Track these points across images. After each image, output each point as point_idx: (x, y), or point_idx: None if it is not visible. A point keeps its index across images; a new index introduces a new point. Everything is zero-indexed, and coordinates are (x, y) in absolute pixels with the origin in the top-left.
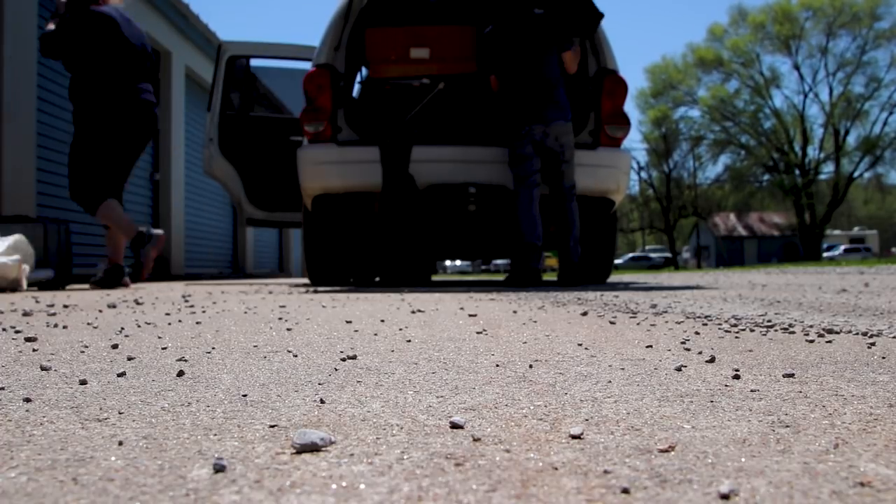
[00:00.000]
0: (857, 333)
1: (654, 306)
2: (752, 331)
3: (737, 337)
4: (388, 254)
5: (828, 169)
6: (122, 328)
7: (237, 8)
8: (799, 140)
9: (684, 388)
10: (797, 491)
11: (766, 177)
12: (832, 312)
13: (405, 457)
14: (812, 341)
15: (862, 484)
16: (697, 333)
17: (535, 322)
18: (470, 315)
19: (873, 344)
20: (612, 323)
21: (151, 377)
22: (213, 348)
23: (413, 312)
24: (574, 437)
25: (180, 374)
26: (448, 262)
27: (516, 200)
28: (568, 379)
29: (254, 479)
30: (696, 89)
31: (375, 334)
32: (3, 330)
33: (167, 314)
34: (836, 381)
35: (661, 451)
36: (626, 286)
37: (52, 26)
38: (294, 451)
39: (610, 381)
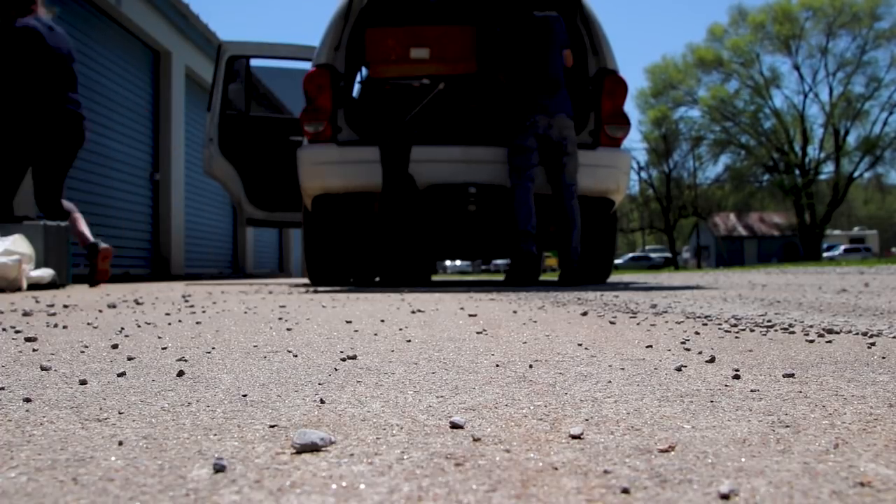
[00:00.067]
0: (857, 333)
1: (654, 306)
2: (752, 331)
3: (737, 337)
4: (388, 254)
5: (828, 169)
6: (122, 328)
7: (237, 8)
8: (799, 140)
9: (684, 388)
10: (797, 491)
11: (766, 177)
12: (832, 312)
13: (405, 457)
14: (812, 341)
15: (862, 484)
16: (697, 333)
17: (535, 322)
18: (470, 315)
19: (873, 344)
20: (612, 323)
21: (151, 377)
22: (213, 348)
23: (413, 312)
24: (574, 437)
25: (180, 374)
26: (448, 262)
27: (513, 192)
28: (568, 379)
29: (254, 479)
30: (696, 89)
31: (375, 334)
32: (3, 330)
33: (167, 314)
34: (836, 381)
35: (661, 451)
36: (626, 286)
37: None
38: (294, 451)
39: (610, 381)
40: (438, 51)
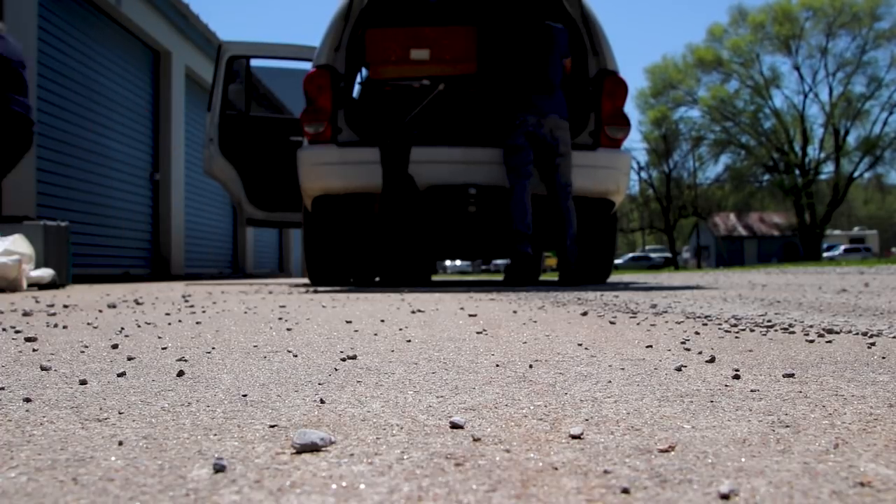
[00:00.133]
0: (857, 333)
1: (654, 306)
2: (752, 331)
3: (737, 337)
4: (388, 254)
5: (828, 169)
6: (122, 328)
7: (237, 8)
8: (799, 140)
9: (684, 388)
10: (797, 491)
11: (766, 177)
12: (832, 312)
13: (405, 457)
14: (812, 341)
15: (862, 484)
16: (697, 333)
17: (535, 322)
18: (470, 315)
19: (873, 344)
20: (612, 323)
21: (151, 377)
22: (213, 348)
23: (413, 312)
24: (574, 437)
25: (180, 374)
26: (448, 262)
27: (510, 192)
28: (568, 379)
29: (254, 479)
30: (696, 89)
31: (375, 334)
32: (3, 330)
33: (167, 314)
34: (836, 381)
35: (661, 451)
36: (626, 286)
37: None
38: (294, 451)
39: (610, 381)
40: (438, 52)
